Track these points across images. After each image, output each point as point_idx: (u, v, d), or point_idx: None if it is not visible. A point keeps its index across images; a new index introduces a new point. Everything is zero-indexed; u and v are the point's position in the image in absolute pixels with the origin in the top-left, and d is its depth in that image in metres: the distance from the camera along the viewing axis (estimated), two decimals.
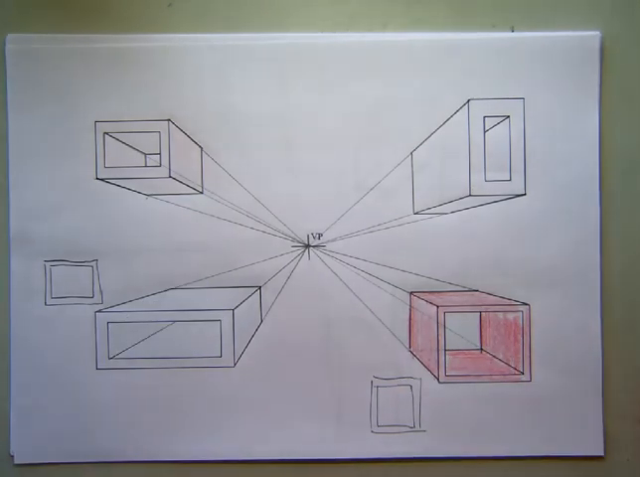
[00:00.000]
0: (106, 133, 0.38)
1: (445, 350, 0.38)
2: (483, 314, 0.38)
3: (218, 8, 0.38)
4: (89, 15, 0.38)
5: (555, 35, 0.37)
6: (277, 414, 0.39)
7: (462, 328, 0.38)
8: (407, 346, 0.39)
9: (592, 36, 0.36)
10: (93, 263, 0.39)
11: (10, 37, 0.38)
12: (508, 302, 0.38)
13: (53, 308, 0.39)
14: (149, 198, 0.39)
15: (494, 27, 0.38)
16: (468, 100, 0.38)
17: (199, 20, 0.38)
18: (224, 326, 0.39)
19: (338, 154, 0.38)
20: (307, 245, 0.39)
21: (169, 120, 0.38)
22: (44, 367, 0.39)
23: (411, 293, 0.38)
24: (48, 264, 0.39)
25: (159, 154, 0.38)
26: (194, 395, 0.39)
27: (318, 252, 0.39)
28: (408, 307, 0.38)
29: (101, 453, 0.39)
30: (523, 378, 0.38)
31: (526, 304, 0.38)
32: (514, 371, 0.38)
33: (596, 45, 0.37)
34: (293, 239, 0.39)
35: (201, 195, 0.39)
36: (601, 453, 0.38)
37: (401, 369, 0.39)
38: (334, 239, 0.38)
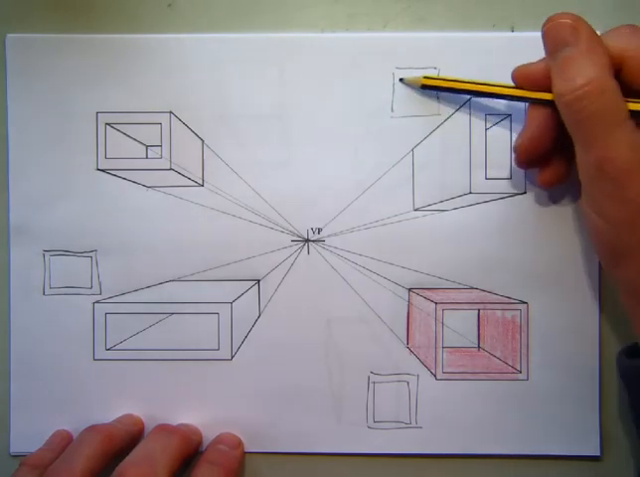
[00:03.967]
0: (108, 124, 0.38)
1: (443, 347, 0.38)
2: (481, 312, 0.38)
3: (218, 8, 0.38)
4: (89, 15, 0.38)
5: None
6: (273, 407, 0.39)
7: (460, 325, 0.38)
8: (405, 342, 0.39)
9: None
10: (92, 254, 0.39)
11: (10, 37, 0.38)
12: (506, 300, 0.38)
13: (51, 298, 0.39)
14: (150, 189, 0.39)
15: (494, 27, 0.38)
16: (470, 98, 0.38)
17: (199, 20, 0.38)
18: (222, 319, 0.39)
19: (338, 150, 0.38)
20: (306, 240, 0.39)
21: (170, 112, 0.38)
22: (42, 356, 0.39)
23: (410, 290, 0.38)
24: (47, 254, 0.39)
25: (160, 146, 0.39)
26: (190, 386, 0.39)
27: (317, 247, 0.39)
28: (407, 303, 0.38)
29: None
30: (520, 376, 0.38)
31: (524, 302, 0.38)
32: (511, 369, 0.38)
33: None
34: (293, 234, 0.39)
35: (201, 187, 0.39)
36: (598, 453, 0.38)
37: (399, 365, 0.38)
38: (334, 234, 0.39)
